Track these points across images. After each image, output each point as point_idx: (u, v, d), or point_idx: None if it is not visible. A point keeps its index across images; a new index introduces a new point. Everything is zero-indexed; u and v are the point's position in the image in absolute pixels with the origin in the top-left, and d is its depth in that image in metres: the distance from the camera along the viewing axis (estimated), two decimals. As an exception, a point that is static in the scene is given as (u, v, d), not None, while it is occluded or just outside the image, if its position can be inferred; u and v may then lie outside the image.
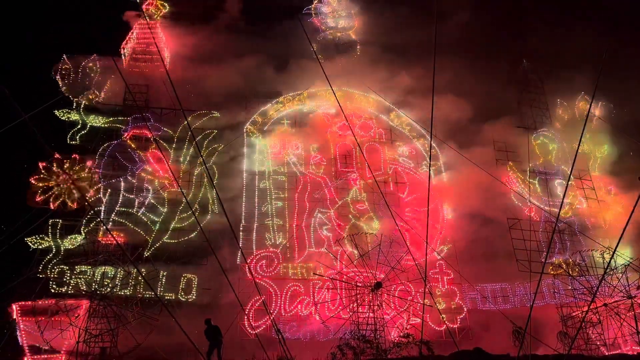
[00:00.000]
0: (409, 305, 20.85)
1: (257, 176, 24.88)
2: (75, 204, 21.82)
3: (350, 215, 24.71)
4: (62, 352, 17.81)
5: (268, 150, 25.65)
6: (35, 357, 17.81)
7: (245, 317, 20.37)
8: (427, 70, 15.68)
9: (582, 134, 16.41)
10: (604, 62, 15.44)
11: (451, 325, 21.71)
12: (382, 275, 20.50)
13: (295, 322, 21.53)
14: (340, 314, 20.51)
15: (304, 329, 21.41)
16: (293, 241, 23.56)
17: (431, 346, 15.61)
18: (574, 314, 22.44)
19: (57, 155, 22.23)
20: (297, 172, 25.36)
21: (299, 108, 27.39)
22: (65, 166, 22.12)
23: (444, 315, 21.02)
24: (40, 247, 21.14)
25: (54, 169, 21.96)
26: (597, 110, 29.87)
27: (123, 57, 25.87)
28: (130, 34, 26.31)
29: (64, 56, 24.23)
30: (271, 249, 22.96)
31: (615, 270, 20.42)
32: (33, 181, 21.71)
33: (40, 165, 21.94)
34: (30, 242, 21.14)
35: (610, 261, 17.37)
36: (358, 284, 20.42)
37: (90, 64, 24.29)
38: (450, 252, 24.53)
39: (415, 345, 15.91)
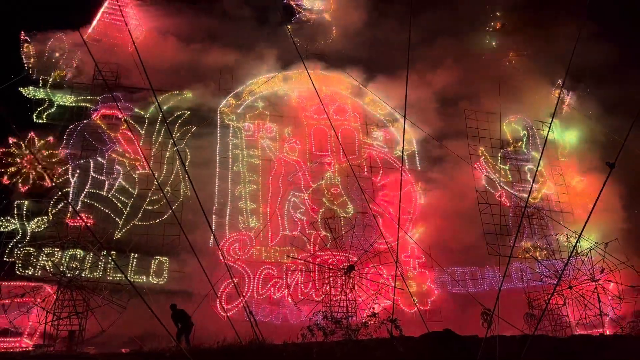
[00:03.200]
0: (381, 288, 21.06)
1: (230, 159, 24.59)
2: (46, 183, 21.26)
3: (324, 199, 24.73)
4: (24, 334, 17.44)
5: (242, 133, 25.37)
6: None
7: (217, 300, 20.30)
8: (403, 53, 15.68)
9: (552, 120, 16.81)
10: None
11: (422, 308, 22.05)
12: (355, 259, 20.63)
13: (268, 305, 21.57)
14: (313, 296, 20.61)
15: (277, 312, 21.47)
16: (267, 224, 23.49)
17: (400, 325, 15.79)
18: (539, 296, 23.03)
19: (32, 134, 21.60)
20: (271, 156, 25.17)
21: (274, 90, 27.06)
22: (32, 146, 21.50)
23: (415, 298, 21.36)
24: (6, 229, 20.60)
25: (23, 150, 21.35)
26: (568, 98, 30.47)
27: (91, 31, 25.02)
28: (99, 8, 25.39)
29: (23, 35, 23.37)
30: (244, 232, 22.84)
31: (580, 254, 21.02)
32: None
33: (10, 140, 21.28)
34: (-4, 224, 20.59)
35: (575, 245, 17.84)
36: (331, 266, 20.51)
37: (57, 40, 23.48)
38: (422, 236, 24.82)
39: (384, 325, 16.09)
